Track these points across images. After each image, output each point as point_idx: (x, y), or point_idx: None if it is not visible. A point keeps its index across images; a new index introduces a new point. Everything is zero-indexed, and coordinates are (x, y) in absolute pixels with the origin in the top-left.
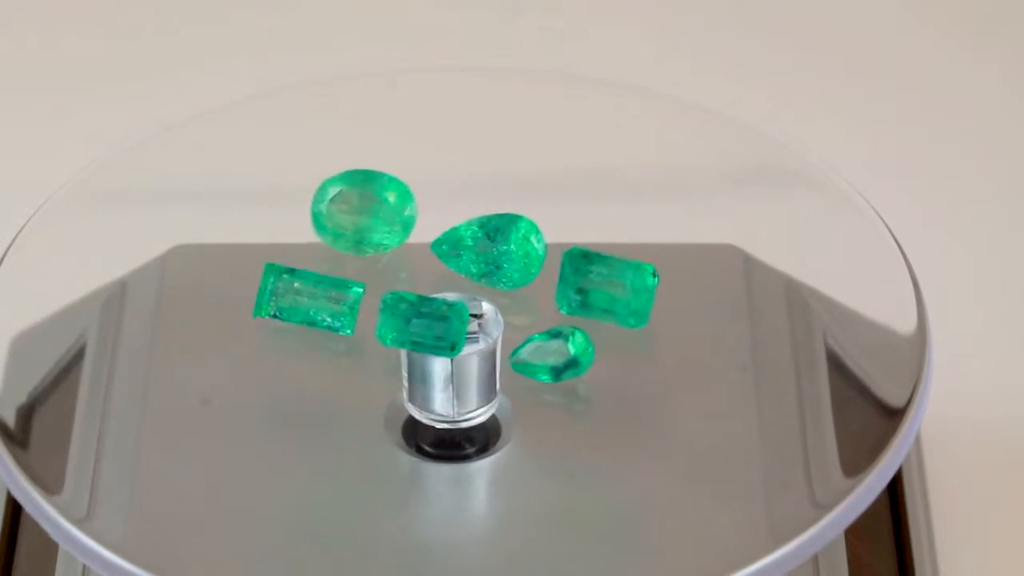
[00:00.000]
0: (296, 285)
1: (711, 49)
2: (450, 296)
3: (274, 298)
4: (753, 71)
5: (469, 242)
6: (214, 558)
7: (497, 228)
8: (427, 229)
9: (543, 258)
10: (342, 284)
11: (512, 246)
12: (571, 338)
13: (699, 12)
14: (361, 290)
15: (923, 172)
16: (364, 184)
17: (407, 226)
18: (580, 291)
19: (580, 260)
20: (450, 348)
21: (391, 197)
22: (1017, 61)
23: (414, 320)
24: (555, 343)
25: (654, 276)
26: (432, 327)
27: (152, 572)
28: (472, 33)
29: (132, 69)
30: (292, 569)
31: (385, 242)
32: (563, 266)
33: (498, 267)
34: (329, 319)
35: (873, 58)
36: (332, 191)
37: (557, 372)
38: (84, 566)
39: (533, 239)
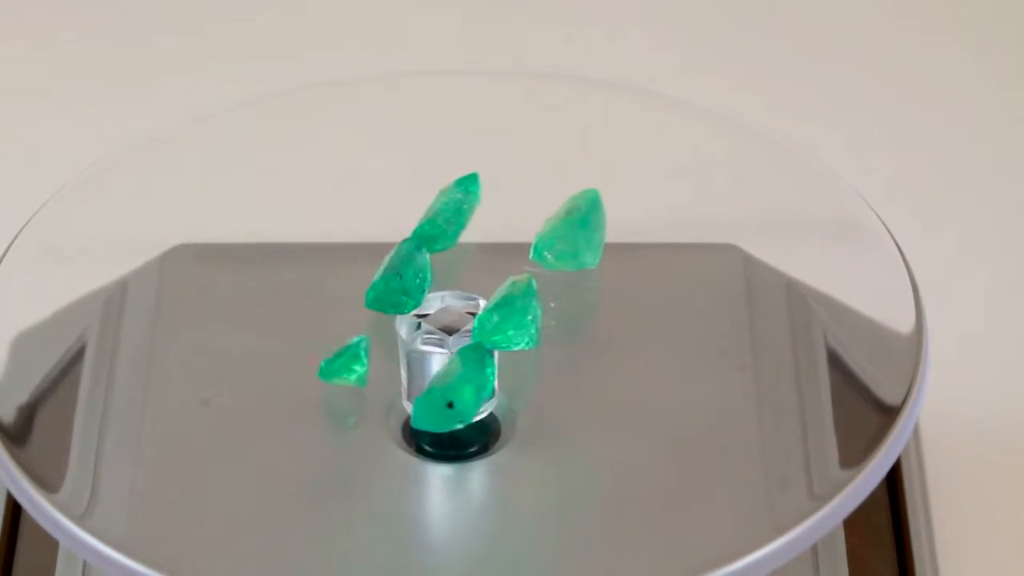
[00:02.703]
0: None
1: (711, 50)
2: (460, 296)
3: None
4: (753, 71)
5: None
6: (213, 555)
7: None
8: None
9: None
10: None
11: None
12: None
13: (699, 13)
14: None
15: (922, 172)
16: (586, 220)
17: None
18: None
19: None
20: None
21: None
22: (1016, 62)
23: (391, 274)
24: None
25: (449, 407)
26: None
27: (152, 568)
28: (471, 35)
29: (133, 70)
30: (291, 567)
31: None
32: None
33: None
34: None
35: (873, 58)
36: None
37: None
38: (84, 565)
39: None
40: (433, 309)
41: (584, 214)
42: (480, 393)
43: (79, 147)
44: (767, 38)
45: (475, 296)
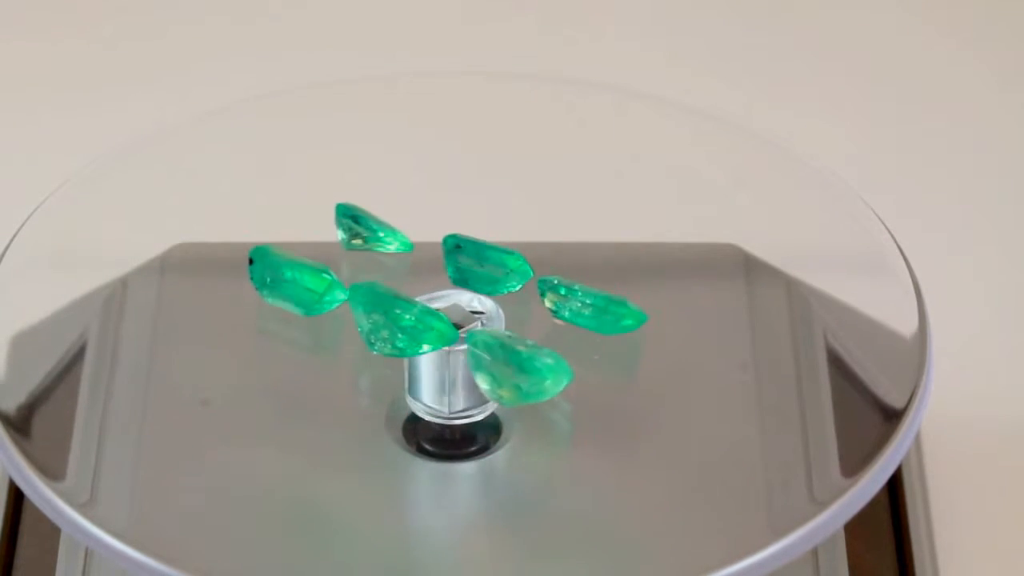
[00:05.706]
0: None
1: (711, 51)
2: (466, 294)
3: None
4: (754, 72)
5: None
6: (213, 548)
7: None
8: (427, 229)
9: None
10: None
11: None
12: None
13: (699, 15)
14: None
15: (923, 172)
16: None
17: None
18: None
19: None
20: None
21: None
22: (1017, 61)
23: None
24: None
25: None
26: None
27: (154, 557)
28: (472, 37)
29: (133, 69)
30: (291, 564)
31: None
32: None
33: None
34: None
35: (873, 58)
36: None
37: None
38: (86, 555)
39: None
40: (439, 306)
41: (524, 357)
42: (286, 287)
43: (78, 147)
44: (767, 38)
45: (480, 296)
